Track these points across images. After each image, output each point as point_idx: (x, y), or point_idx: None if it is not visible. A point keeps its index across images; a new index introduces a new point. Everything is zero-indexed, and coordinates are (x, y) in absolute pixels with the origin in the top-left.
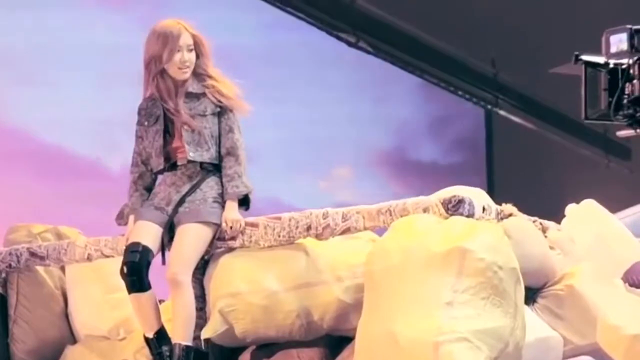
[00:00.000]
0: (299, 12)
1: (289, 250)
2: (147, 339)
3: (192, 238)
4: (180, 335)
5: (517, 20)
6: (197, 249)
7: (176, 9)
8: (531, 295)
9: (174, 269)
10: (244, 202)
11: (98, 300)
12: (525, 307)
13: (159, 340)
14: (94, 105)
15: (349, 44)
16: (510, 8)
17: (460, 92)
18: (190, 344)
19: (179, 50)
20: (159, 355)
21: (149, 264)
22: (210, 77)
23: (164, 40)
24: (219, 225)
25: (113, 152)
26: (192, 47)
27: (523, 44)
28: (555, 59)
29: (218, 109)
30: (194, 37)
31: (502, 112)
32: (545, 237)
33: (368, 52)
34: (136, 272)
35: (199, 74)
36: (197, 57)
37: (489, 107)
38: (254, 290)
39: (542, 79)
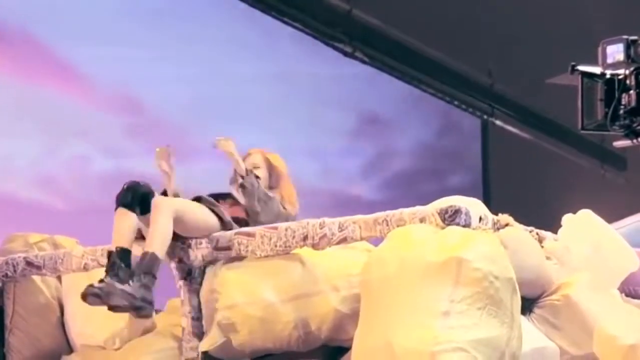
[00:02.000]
0: (295, 22)
1: (284, 261)
2: (109, 253)
3: None
4: (155, 245)
5: (513, 30)
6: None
7: (175, 16)
8: (527, 305)
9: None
10: None
11: (94, 310)
12: (522, 317)
13: (122, 255)
14: None
15: (345, 53)
16: (507, 19)
17: (456, 102)
18: (161, 258)
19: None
20: (112, 266)
21: (147, 195)
22: None
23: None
24: None
25: None
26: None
27: (519, 55)
28: (551, 69)
29: None
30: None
31: (498, 122)
32: (542, 247)
33: (364, 62)
34: (134, 191)
35: None
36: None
37: (485, 117)
38: (251, 302)
39: (538, 89)
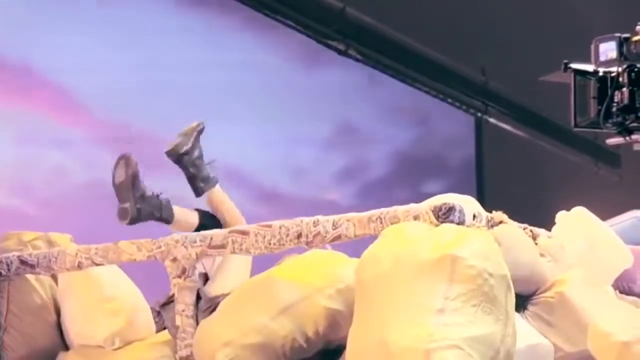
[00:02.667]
0: (288, 20)
1: (258, 286)
2: None
3: None
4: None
5: (506, 28)
6: None
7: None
8: (522, 302)
9: None
10: None
11: (92, 309)
12: (516, 314)
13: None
14: None
15: (339, 51)
16: (500, 16)
17: (450, 100)
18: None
19: None
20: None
21: None
22: None
23: None
24: None
25: None
26: None
27: (513, 52)
28: (544, 66)
29: None
30: None
31: (492, 120)
32: (536, 244)
33: (357, 60)
34: None
35: None
36: None
37: (479, 114)
38: (244, 331)
39: (531, 86)
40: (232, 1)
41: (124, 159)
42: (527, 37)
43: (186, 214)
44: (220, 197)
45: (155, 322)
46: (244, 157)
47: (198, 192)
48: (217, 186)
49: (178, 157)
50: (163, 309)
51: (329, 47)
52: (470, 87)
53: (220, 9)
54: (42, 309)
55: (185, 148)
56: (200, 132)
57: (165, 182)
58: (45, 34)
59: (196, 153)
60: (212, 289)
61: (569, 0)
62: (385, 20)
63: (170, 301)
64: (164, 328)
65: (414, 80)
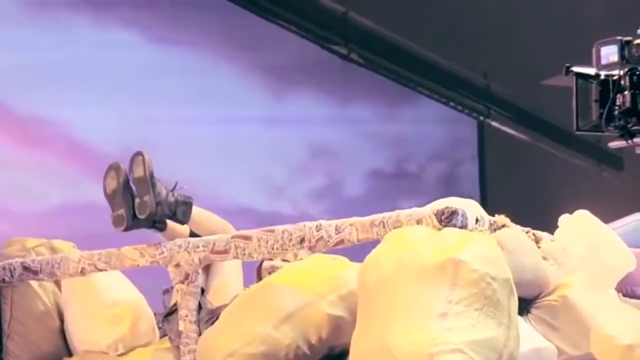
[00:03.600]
0: (290, 25)
1: (258, 294)
2: None
3: None
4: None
5: (508, 31)
6: None
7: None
8: (525, 305)
9: None
10: None
11: (95, 316)
12: (519, 317)
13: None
14: None
15: (341, 56)
16: (502, 20)
17: (452, 104)
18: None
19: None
20: None
21: None
22: None
23: None
24: None
25: None
26: None
27: (515, 56)
28: (546, 70)
29: None
30: None
31: (494, 124)
32: (539, 247)
33: (360, 65)
34: None
35: None
36: None
37: (481, 118)
38: (247, 341)
39: (533, 90)
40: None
41: (114, 169)
42: (528, 41)
43: (176, 226)
44: (202, 216)
45: (159, 328)
46: (219, 175)
47: (183, 222)
48: (194, 207)
49: (158, 218)
50: (166, 320)
51: (332, 51)
52: (472, 90)
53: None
54: (46, 315)
55: (154, 204)
56: (152, 175)
57: None
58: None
59: (163, 194)
60: (211, 299)
61: (572, 4)
62: (387, 25)
63: (172, 311)
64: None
65: (415, 83)
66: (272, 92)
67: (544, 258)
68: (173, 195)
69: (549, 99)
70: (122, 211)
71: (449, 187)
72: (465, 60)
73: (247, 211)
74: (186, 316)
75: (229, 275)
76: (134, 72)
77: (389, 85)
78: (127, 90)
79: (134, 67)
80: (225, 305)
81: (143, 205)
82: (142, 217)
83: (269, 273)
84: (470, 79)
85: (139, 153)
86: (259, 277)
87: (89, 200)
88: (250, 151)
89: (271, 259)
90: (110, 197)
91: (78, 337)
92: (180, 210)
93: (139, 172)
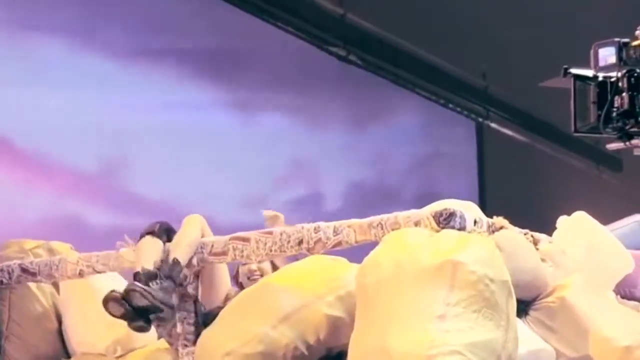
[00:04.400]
0: (288, 26)
1: (257, 294)
2: (135, 274)
3: None
4: (178, 251)
5: (507, 33)
6: None
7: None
8: (523, 307)
9: None
10: None
11: (94, 318)
12: (517, 319)
13: (147, 275)
14: None
15: (339, 57)
16: (501, 21)
17: (451, 105)
18: (183, 264)
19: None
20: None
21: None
22: None
23: None
24: None
25: None
26: None
27: (514, 57)
28: (545, 71)
29: None
30: None
31: (493, 125)
32: (537, 249)
33: (358, 66)
34: (161, 222)
35: None
36: None
37: (480, 119)
38: (245, 341)
39: (532, 91)
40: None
41: (113, 300)
42: (527, 42)
43: None
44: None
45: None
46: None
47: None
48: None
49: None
50: (161, 323)
51: (330, 53)
52: (471, 92)
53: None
54: (44, 317)
55: (171, 313)
56: (157, 302)
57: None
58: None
59: (169, 296)
60: (206, 302)
61: (570, 6)
62: (386, 26)
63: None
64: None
65: (414, 85)
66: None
67: (542, 260)
68: (170, 276)
69: (548, 101)
70: (140, 323)
71: (447, 189)
72: (464, 61)
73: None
74: (184, 318)
75: (217, 277)
76: None
77: (388, 87)
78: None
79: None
80: (220, 308)
81: (164, 321)
82: (165, 325)
83: (248, 278)
84: (469, 80)
85: (132, 289)
86: (237, 283)
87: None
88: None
89: (245, 264)
90: (121, 318)
91: (77, 339)
92: (178, 276)
93: (142, 302)
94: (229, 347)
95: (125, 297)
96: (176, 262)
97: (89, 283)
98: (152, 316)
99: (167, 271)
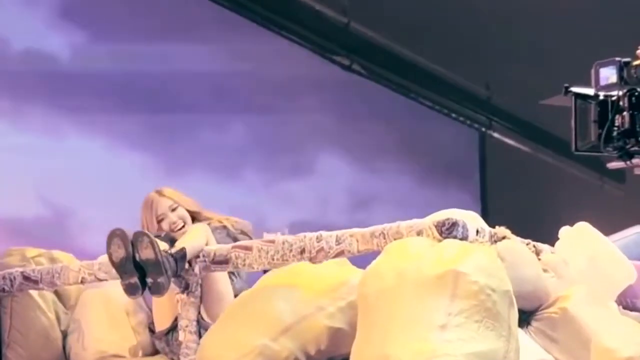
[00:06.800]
0: (292, 35)
1: (259, 303)
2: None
3: None
4: (186, 243)
5: (510, 43)
6: None
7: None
8: (525, 318)
9: None
10: None
11: (120, 320)
12: (519, 330)
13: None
14: None
15: (343, 66)
16: (504, 31)
17: (453, 115)
18: (188, 258)
19: (162, 219)
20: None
21: None
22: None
23: (145, 213)
24: None
25: None
26: (175, 205)
27: (517, 67)
28: (548, 83)
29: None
30: (171, 198)
31: (495, 135)
32: (539, 259)
33: (361, 75)
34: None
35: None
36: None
37: (483, 129)
38: (244, 353)
39: (535, 101)
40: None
41: (119, 237)
42: (531, 53)
43: None
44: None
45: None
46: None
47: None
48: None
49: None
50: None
51: (333, 62)
52: (474, 102)
53: None
54: (46, 325)
55: (168, 283)
56: (162, 255)
57: None
58: None
59: (173, 268)
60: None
61: (575, 19)
62: (389, 36)
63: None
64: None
65: (417, 94)
66: None
67: (545, 270)
68: (174, 257)
69: (551, 111)
70: (135, 280)
71: (449, 198)
72: (467, 71)
73: None
74: (186, 326)
75: (220, 287)
76: None
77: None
78: None
79: None
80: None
81: (158, 287)
82: (156, 295)
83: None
84: (473, 90)
85: (143, 234)
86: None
87: None
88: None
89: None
90: (118, 265)
91: (97, 335)
92: (181, 267)
93: (148, 254)
94: (228, 358)
95: (133, 240)
96: (183, 250)
97: (112, 290)
98: (148, 279)
99: (174, 254)
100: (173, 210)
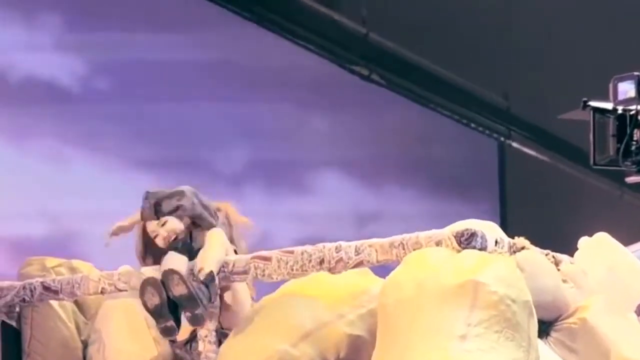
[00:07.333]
0: (310, 45)
1: (279, 310)
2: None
3: None
4: (212, 264)
5: (529, 53)
6: None
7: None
8: (544, 328)
9: None
10: None
11: (142, 332)
12: (539, 340)
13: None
14: None
15: (362, 76)
16: (523, 41)
17: (473, 125)
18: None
19: (155, 236)
20: None
21: None
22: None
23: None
24: None
25: None
26: (164, 220)
27: (535, 77)
28: (567, 92)
29: None
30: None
31: (515, 144)
32: (558, 270)
33: (380, 85)
34: None
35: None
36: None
37: (502, 139)
38: (264, 358)
39: (554, 111)
40: None
41: (152, 285)
42: (549, 62)
43: None
44: None
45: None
46: None
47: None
48: None
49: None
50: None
51: (352, 72)
52: (493, 111)
53: None
54: (66, 335)
55: (206, 314)
56: (194, 291)
57: None
58: None
59: (207, 297)
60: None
61: (594, 31)
62: (408, 46)
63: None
64: None
65: (436, 104)
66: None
67: (564, 280)
68: (205, 284)
69: (570, 121)
70: (171, 323)
71: (469, 209)
72: (486, 81)
73: None
74: (205, 336)
75: (238, 297)
76: None
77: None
78: None
79: None
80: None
81: (196, 319)
82: (197, 326)
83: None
84: (491, 100)
85: (172, 271)
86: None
87: None
88: None
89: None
90: (153, 312)
91: (118, 346)
92: (213, 291)
93: (181, 290)
94: None
95: (164, 281)
96: (211, 274)
97: (133, 301)
98: (187, 314)
99: (204, 281)
100: (162, 225)
